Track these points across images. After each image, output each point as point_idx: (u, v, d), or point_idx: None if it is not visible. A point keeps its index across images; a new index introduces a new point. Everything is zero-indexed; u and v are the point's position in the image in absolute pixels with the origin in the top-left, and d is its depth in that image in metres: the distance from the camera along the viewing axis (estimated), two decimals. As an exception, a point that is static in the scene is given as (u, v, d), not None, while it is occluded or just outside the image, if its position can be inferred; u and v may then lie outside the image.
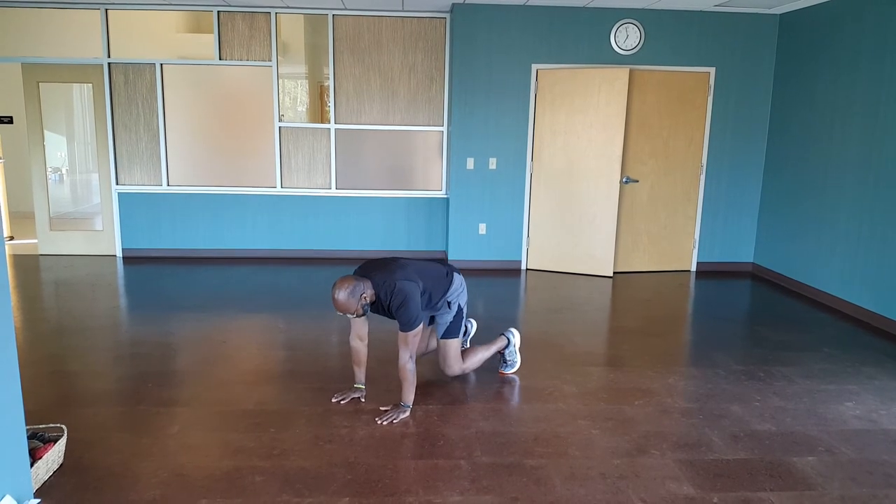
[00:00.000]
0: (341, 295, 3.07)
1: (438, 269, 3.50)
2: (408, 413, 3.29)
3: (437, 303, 3.46)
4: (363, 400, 3.45)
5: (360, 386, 3.50)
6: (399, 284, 3.16)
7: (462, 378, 3.81)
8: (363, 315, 3.24)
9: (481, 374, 3.86)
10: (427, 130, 6.88)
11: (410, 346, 3.20)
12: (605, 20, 6.29)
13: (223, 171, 6.89)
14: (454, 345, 3.59)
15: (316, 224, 6.99)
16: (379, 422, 3.21)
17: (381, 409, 3.35)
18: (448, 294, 3.49)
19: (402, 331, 3.20)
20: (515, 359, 3.89)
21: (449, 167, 6.71)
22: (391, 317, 3.30)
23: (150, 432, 3.09)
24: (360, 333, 3.43)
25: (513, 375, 3.88)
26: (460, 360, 3.64)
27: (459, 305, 3.56)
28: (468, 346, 4.03)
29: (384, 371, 3.84)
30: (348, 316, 3.19)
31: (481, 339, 4.12)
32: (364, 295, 3.14)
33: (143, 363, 3.96)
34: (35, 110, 6.69)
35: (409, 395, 3.30)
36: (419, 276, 3.30)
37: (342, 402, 3.42)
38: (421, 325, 3.23)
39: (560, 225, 6.56)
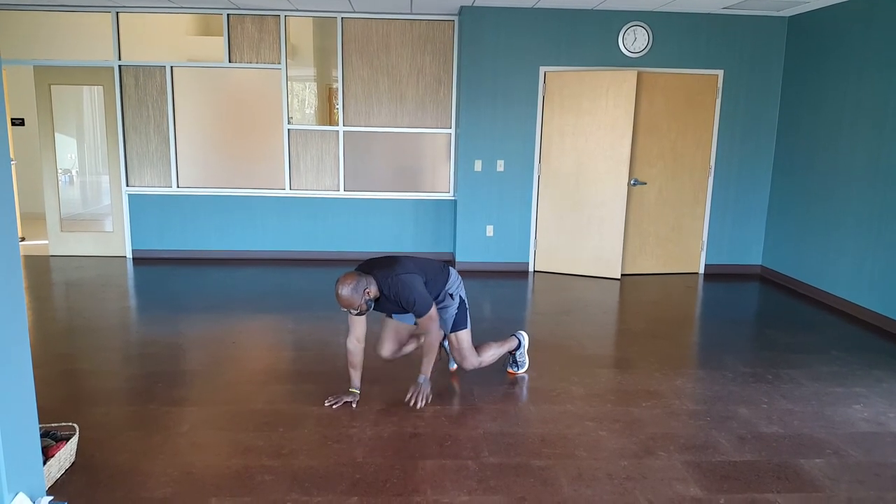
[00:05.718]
0: (345, 290, 3.13)
1: (435, 263, 3.59)
2: (429, 386, 3.46)
3: (438, 295, 3.52)
4: (355, 406, 3.43)
5: (355, 390, 3.49)
6: (401, 277, 3.25)
7: (470, 378, 3.82)
8: (367, 311, 3.28)
9: (488, 375, 3.87)
10: (435, 132, 6.90)
11: (434, 320, 3.34)
12: (613, 22, 6.29)
13: (232, 172, 6.93)
14: (465, 336, 3.62)
15: (324, 225, 7.02)
16: (415, 405, 3.37)
17: (406, 399, 3.43)
18: (448, 286, 3.56)
19: (419, 317, 3.31)
20: (525, 360, 3.96)
21: (457, 169, 6.73)
22: (403, 311, 3.40)
23: (161, 431, 3.12)
24: (358, 335, 3.43)
25: (522, 374, 3.91)
26: (475, 351, 3.67)
27: (461, 296, 3.61)
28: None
29: (388, 370, 3.86)
30: (351, 312, 3.25)
31: (489, 339, 4.11)
32: (367, 290, 3.20)
33: (154, 363, 4.00)
34: (46, 112, 6.76)
35: (430, 367, 3.43)
36: (419, 270, 3.39)
37: (334, 407, 3.41)
38: (434, 307, 3.34)
39: (568, 227, 6.56)
